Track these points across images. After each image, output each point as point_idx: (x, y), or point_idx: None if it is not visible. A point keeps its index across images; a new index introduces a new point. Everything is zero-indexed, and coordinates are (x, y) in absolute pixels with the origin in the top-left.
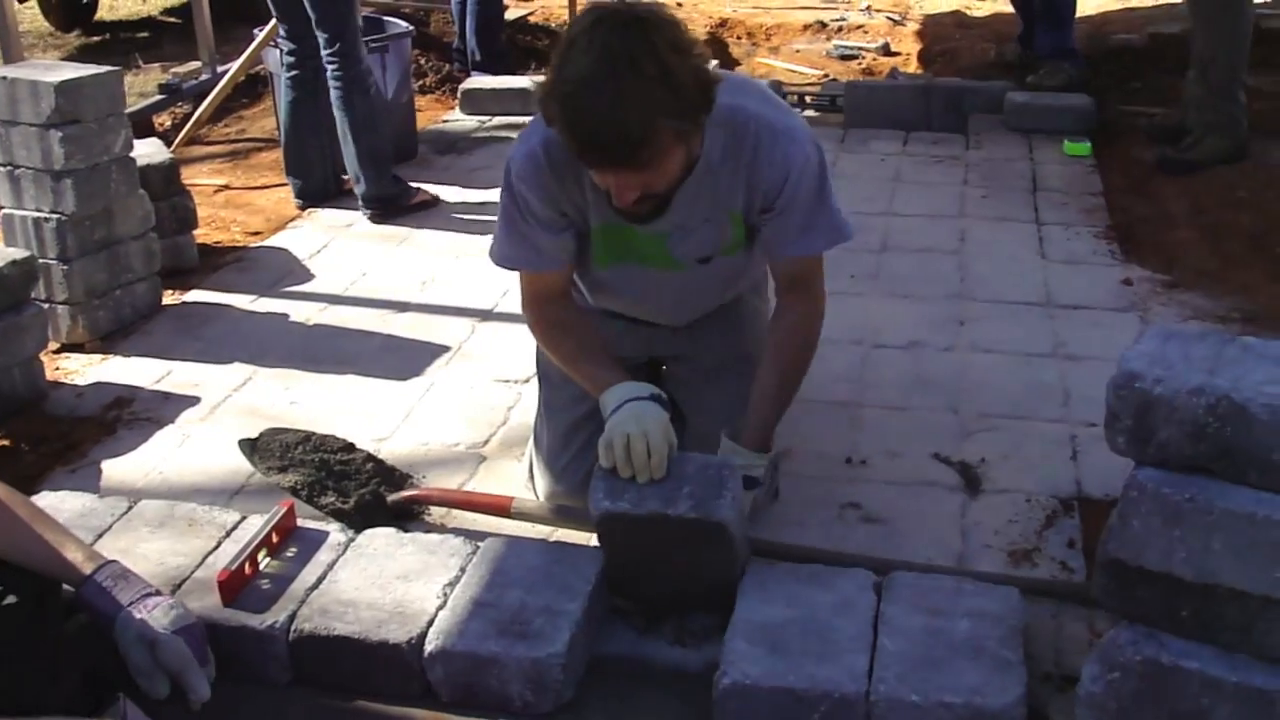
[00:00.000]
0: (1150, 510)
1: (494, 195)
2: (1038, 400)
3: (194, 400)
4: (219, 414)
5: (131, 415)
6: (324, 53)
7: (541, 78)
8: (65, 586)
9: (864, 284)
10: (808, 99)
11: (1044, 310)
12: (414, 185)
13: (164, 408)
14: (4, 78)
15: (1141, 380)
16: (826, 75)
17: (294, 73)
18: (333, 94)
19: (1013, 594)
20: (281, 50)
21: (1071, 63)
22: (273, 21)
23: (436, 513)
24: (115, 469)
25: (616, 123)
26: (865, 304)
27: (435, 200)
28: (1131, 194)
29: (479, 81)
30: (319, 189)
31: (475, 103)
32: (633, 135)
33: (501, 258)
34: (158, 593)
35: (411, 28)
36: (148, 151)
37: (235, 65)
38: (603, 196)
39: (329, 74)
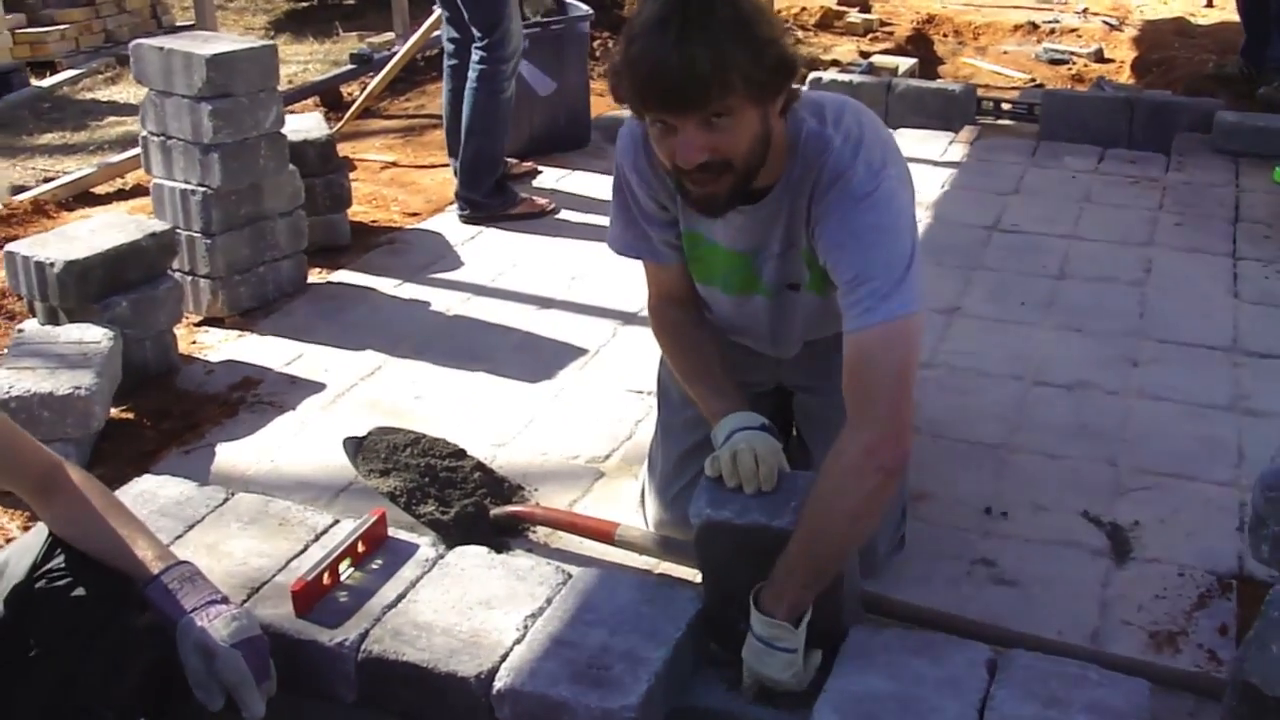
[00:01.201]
0: None
1: None
2: (1207, 459)
3: (320, 386)
4: (341, 403)
5: (255, 398)
6: (474, 45)
7: None
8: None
9: (1034, 312)
10: (1004, 105)
11: (1228, 356)
12: (523, 195)
13: (289, 392)
14: (160, 48)
15: None
16: (1032, 80)
17: (453, 62)
18: (468, 83)
19: (1142, 688)
20: (445, 37)
21: None
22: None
23: (540, 530)
24: (228, 454)
25: (683, 56)
26: (1032, 335)
27: (546, 210)
28: None
29: None
30: None
31: None
32: (700, 69)
33: (613, 240)
34: (224, 600)
35: (590, 11)
36: (306, 126)
37: (407, 44)
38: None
39: (471, 63)
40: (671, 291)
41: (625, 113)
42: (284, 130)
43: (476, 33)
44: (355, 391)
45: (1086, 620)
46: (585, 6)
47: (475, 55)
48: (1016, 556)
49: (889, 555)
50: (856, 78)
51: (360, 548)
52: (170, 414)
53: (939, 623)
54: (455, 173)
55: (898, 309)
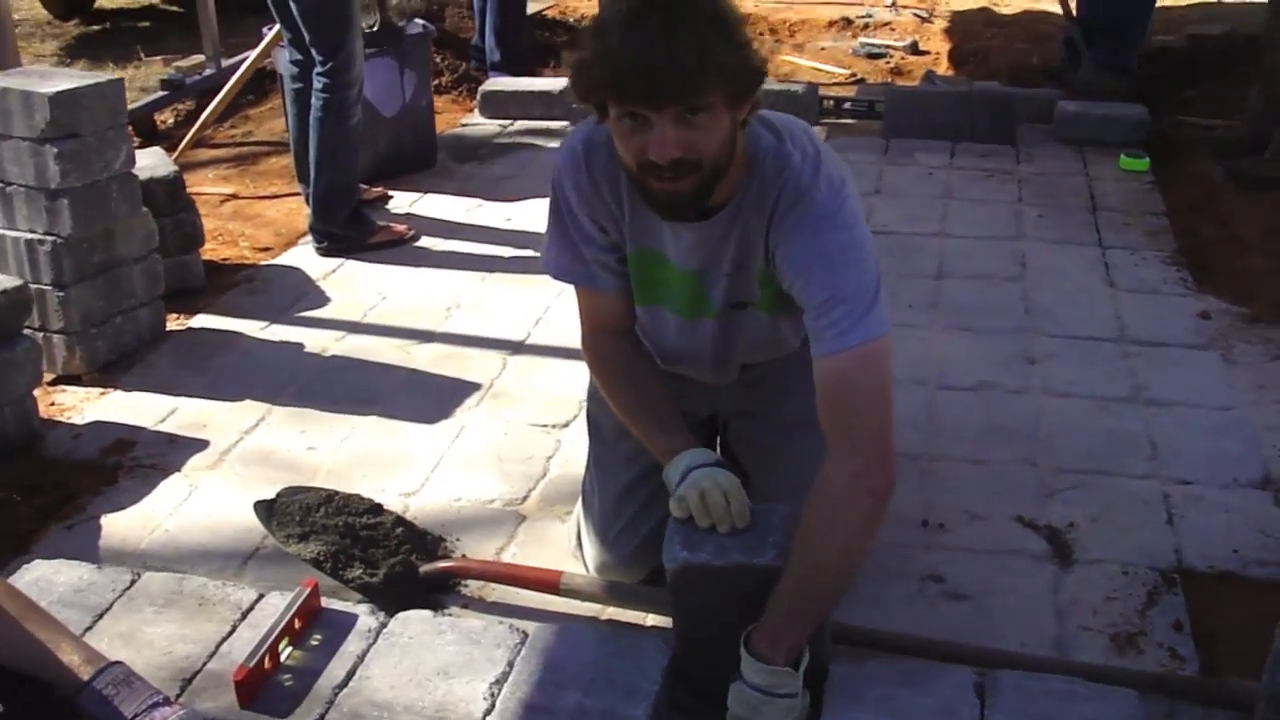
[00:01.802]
0: None
1: (520, 208)
2: (1122, 453)
3: (201, 444)
4: (229, 461)
5: (134, 461)
6: (315, 72)
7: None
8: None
9: (923, 314)
10: (845, 104)
11: (1117, 347)
12: (380, 224)
13: (169, 452)
14: None
15: None
16: (853, 75)
17: (296, 85)
18: (312, 112)
19: (1130, 699)
20: (287, 59)
21: (1126, 79)
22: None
23: (472, 583)
24: (116, 526)
25: (671, 46)
26: (926, 338)
27: (405, 236)
28: (1196, 214)
29: (500, 83)
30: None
31: (496, 105)
32: (688, 60)
33: (549, 264)
34: (166, 701)
35: (432, 27)
36: (150, 163)
37: (242, 68)
38: (646, 216)
39: (314, 90)
40: (607, 321)
41: (468, 131)
42: (135, 170)
43: (318, 57)
44: (241, 446)
45: (1046, 629)
46: (427, 24)
47: (318, 83)
48: (963, 569)
49: None
50: None
51: (296, 624)
52: (42, 487)
53: (911, 647)
54: (307, 201)
55: (874, 330)
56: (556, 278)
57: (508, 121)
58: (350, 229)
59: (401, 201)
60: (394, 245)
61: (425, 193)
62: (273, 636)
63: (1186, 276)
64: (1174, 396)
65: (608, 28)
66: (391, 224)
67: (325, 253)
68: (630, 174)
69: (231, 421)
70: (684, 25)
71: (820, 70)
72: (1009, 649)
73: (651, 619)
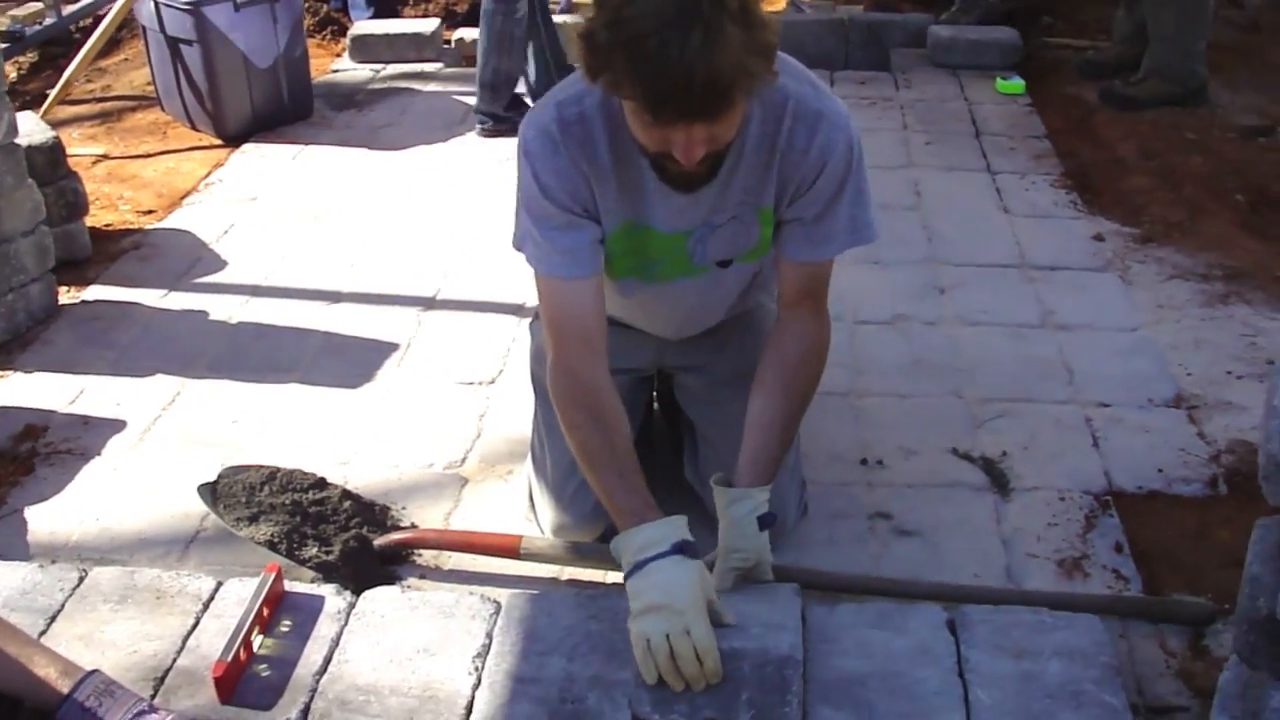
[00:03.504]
0: None
1: (407, 157)
2: (1041, 379)
3: (119, 424)
4: (151, 440)
5: (49, 447)
6: None
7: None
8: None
9: None
10: None
11: (1021, 273)
12: None
13: (85, 435)
14: None
15: None
16: None
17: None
18: (484, 4)
19: (1096, 625)
20: None
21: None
22: None
23: (426, 553)
24: (42, 519)
25: (710, 68)
26: (837, 272)
27: None
28: (1075, 136)
29: (370, 26)
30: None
31: (367, 50)
32: (723, 82)
33: (538, 260)
34: (152, 708)
35: None
36: (24, 130)
37: (110, 15)
38: (629, 187)
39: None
40: (580, 325)
41: (341, 78)
42: (19, 140)
43: None
44: (162, 424)
45: (996, 559)
46: None
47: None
48: (907, 505)
49: (796, 523)
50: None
51: (264, 611)
52: None
53: (880, 589)
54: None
55: (857, 240)
56: (550, 274)
57: (380, 66)
58: (513, 112)
59: (284, 155)
60: None
61: (307, 144)
62: (245, 628)
63: (1076, 199)
64: (1081, 320)
65: (641, 34)
66: None
67: (488, 133)
68: (644, 151)
69: (146, 398)
70: (720, 39)
71: None
72: (964, 582)
73: (613, 576)
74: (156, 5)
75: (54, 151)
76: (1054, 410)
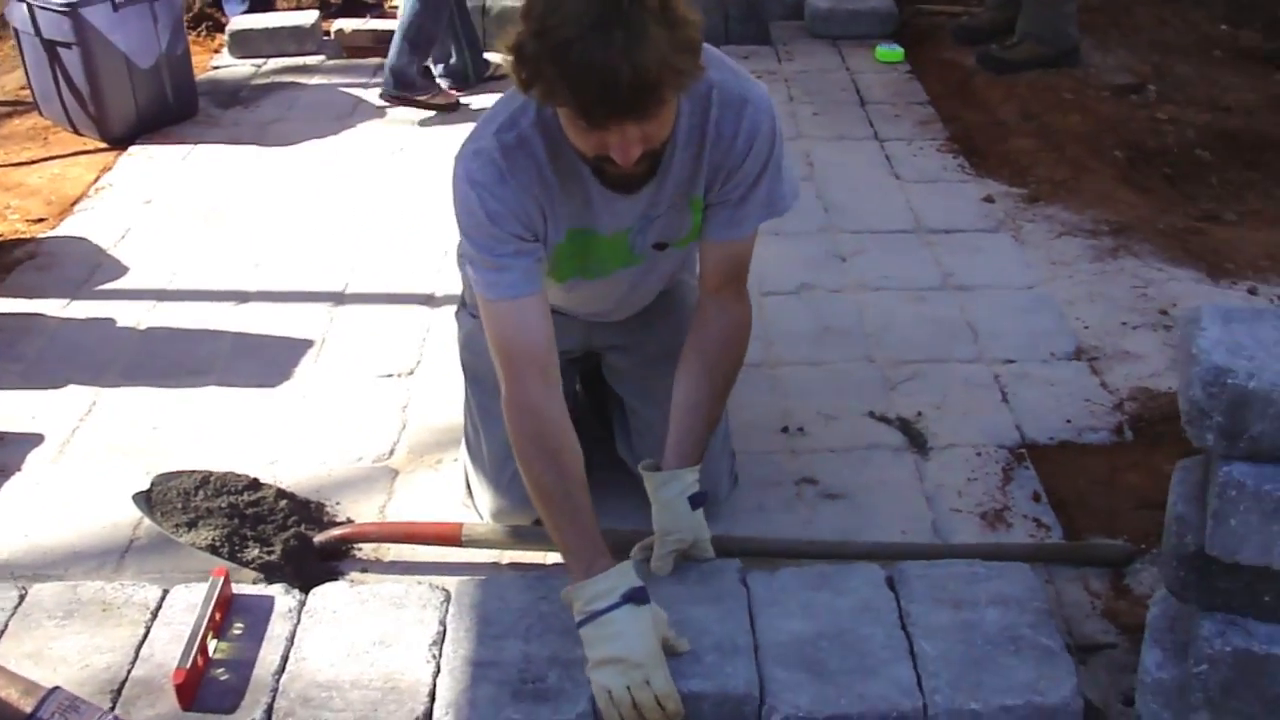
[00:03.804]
0: (1250, 508)
1: (298, 153)
2: (947, 340)
3: (37, 438)
4: (71, 452)
5: None
6: None
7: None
8: None
9: None
10: None
11: (917, 237)
12: (444, 89)
13: (2, 451)
14: None
15: (1234, 375)
16: None
17: None
18: None
19: (1026, 573)
20: None
21: None
22: None
23: (365, 547)
24: None
25: (634, 66)
26: None
27: (455, 105)
28: (956, 100)
29: (248, 21)
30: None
31: (247, 45)
32: (650, 79)
33: (489, 287)
34: (117, 719)
35: None
36: None
37: None
38: (574, 197)
39: None
40: (538, 348)
41: (222, 74)
42: None
43: None
44: (81, 435)
45: (921, 517)
46: None
47: None
48: (831, 469)
49: (729, 494)
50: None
51: (216, 616)
52: None
53: (815, 552)
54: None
55: (771, 213)
56: (502, 298)
57: (260, 60)
58: (422, 87)
59: (174, 155)
60: (448, 110)
61: (196, 144)
62: (200, 632)
63: (963, 163)
64: (979, 280)
65: (566, 41)
66: (447, 90)
67: (390, 98)
68: (583, 158)
69: (60, 410)
70: (643, 40)
71: None
72: (894, 540)
73: (553, 557)
74: (30, 8)
75: None
76: (962, 369)
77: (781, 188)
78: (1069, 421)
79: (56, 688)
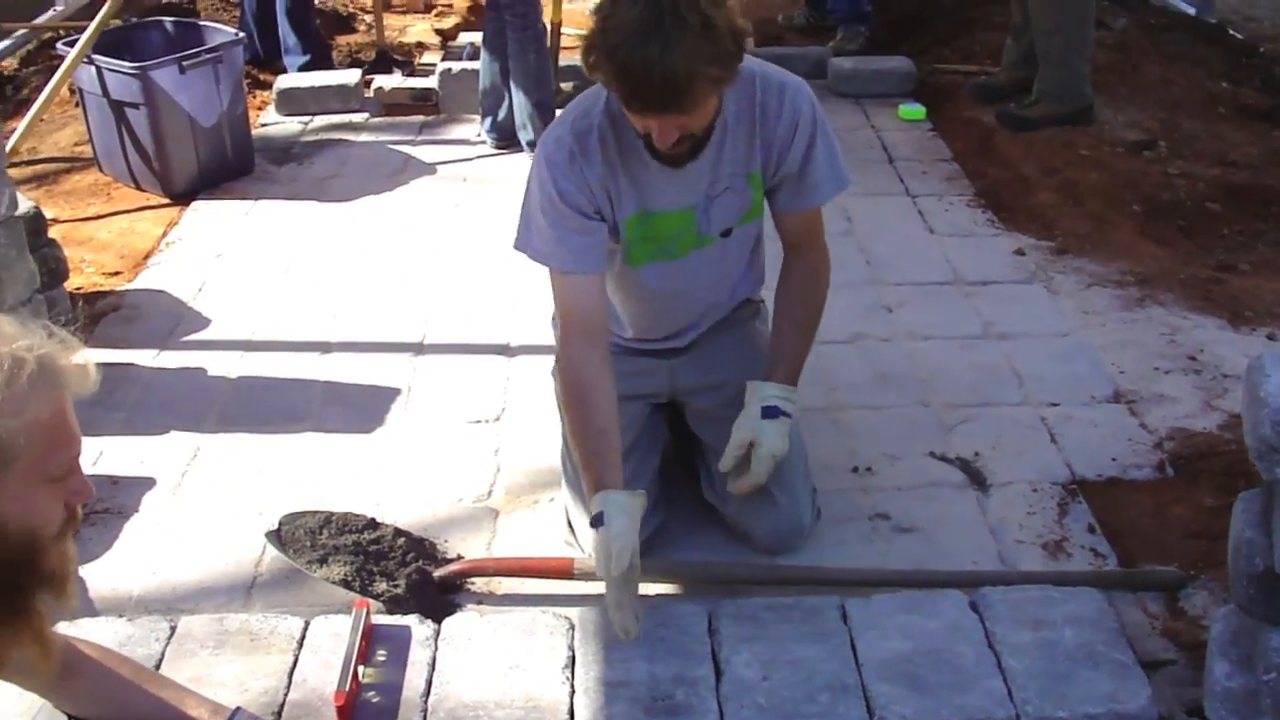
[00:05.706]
0: None
1: (357, 208)
2: (994, 385)
3: (149, 482)
4: (184, 494)
5: (85, 508)
6: (506, 12)
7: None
8: None
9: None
10: None
11: (956, 289)
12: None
13: (118, 495)
14: None
15: None
16: None
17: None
18: (510, 46)
19: (1095, 595)
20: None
21: (866, 25)
22: (84, 37)
23: (478, 581)
24: (100, 577)
25: (665, 71)
26: None
27: None
28: (979, 157)
29: (294, 80)
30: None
31: (293, 102)
32: (678, 83)
33: (548, 257)
34: None
35: (243, 34)
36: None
37: (53, 82)
38: (636, 178)
39: (510, 30)
40: (585, 314)
41: (271, 131)
42: (19, 212)
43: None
44: (191, 479)
45: (988, 547)
46: (230, 29)
47: (514, 23)
48: (901, 506)
49: (813, 528)
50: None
51: (363, 643)
52: None
53: (903, 581)
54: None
55: (840, 187)
56: (562, 269)
57: (307, 118)
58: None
59: (237, 211)
60: None
61: (257, 199)
62: (354, 657)
63: (992, 217)
64: (1019, 329)
65: (615, 44)
66: None
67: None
68: (639, 135)
69: (167, 455)
70: (676, 50)
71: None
72: (968, 569)
73: (659, 587)
74: (99, 69)
75: (36, 220)
76: (1011, 412)
77: (839, 163)
78: (1114, 459)
79: (239, 708)
